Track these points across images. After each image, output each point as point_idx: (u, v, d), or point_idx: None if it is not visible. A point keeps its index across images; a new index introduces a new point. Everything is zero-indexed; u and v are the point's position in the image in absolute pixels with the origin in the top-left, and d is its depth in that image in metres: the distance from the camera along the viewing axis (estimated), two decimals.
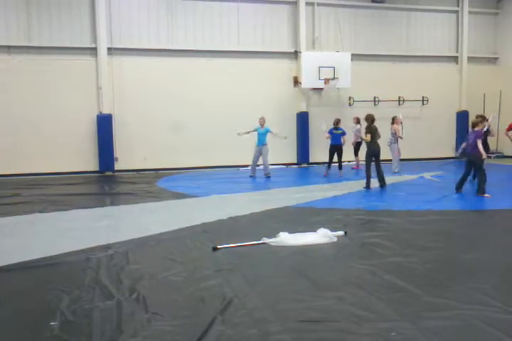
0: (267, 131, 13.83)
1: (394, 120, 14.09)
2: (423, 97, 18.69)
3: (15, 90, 14.99)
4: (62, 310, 4.01)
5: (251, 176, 13.91)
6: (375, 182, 10.97)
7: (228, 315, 3.84)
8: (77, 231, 7.04)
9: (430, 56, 18.91)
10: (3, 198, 10.42)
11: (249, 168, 14.41)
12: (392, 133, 13.97)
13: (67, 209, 8.77)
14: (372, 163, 10.91)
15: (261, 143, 13.83)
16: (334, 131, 13.64)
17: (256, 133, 13.86)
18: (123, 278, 4.82)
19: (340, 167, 13.56)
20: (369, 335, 3.45)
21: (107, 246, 6.03)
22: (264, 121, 13.89)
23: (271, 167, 16.40)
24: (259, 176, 13.89)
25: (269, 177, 13.77)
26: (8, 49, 14.96)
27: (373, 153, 10.84)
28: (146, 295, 4.33)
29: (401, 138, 13.99)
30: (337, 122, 13.75)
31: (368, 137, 10.70)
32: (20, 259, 5.53)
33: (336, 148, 13.55)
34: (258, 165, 14.26)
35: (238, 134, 13.93)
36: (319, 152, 17.02)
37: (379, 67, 18.23)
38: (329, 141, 13.70)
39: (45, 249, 5.99)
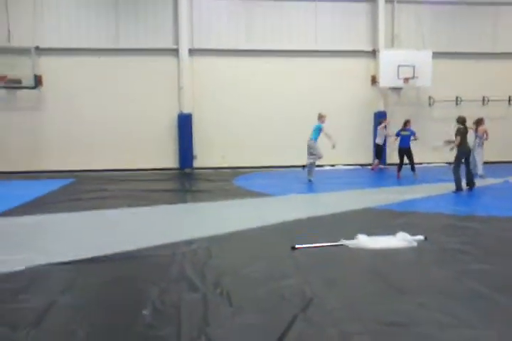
0: (318, 127, 12.48)
1: (479, 122, 13.46)
2: (510, 97, 17.79)
3: (103, 90, 15.93)
4: (153, 300, 4.28)
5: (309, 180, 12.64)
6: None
7: (309, 313, 3.94)
8: (162, 226, 7.45)
9: None
10: (91, 192, 11.14)
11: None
12: (477, 136, 13.35)
13: (152, 205, 9.24)
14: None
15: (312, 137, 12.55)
16: (402, 133, 13.34)
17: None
18: (206, 273, 5.05)
19: (413, 169, 13.24)
20: None
21: (191, 241, 6.31)
22: (320, 117, 12.57)
23: (344, 167, 16.30)
24: (323, 177, 13.36)
25: (310, 181, 12.58)
26: (98, 51, 15.90)
27: (464, 154, 10.64)
28: (230, 289, 4.52)
29: (486, 139, 13.42)
30: (406, 123, 13.44)
31: (458, 139, 10.48)
32: (111, 251, 5.90)
33: (404, 151, 13.28)
34: (319, 166, 13.34)
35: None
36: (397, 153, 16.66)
37: (462, 65, 17.56)
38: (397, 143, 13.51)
39: (134, 241, 6.36)
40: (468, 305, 4.10)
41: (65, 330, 3.67)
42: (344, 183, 12.67)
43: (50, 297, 4.38)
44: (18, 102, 15.76)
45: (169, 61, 16.28)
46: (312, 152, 12.53)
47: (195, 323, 3.79)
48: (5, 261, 5.52)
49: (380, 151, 15.92)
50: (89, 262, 5.52)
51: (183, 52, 16.15)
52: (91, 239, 6.67)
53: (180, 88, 16.26)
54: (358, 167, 16.80)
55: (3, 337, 3.57)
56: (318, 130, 12.47)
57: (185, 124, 16.13)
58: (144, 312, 4.03)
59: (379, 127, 15.87)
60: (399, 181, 12.89)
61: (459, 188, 10.44)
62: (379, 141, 15.85)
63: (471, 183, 10.68)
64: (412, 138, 13.34)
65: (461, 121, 10.68)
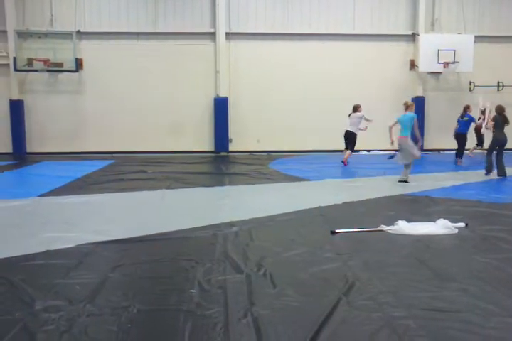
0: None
1: None
2: None
3: (142, 73, 16.11)
4: (199, 280, 4.43)
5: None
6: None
7: (352, 297, 4.02)
8: (202, 208, 7.63)
9: None
10: (132, 173, 11.43)
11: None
12: None
13: (190, 187, 9.44)
14: None
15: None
16: (460, 118, 13.18)
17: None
18: (249, 254, 5.17)
19: (460, 156, 13.13)
20: (496, 329, 3.46)
21: (231, 224, 6.45)
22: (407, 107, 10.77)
23: (381, 153, 16.08)
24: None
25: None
26: (138, 35, 16.07)
27: (499, 142, 10.58)
28: (272, 271, 4.63)
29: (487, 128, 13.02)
30: (465, 109, 13.24)
31: (490, 125, 10.54)
32: (154, 231, 6.10)
33: (459, 136, 13.13)
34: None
35: None
36: (435, 138, 16.45)
37: (506, 50, 16.98)
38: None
39: (176, 222, 6.56)
40: (511, 293, 4.11)
41: (119, 306, 3.85)
42: (380, 169, 12.58)
43: (101, 274, 4.59)
44: (59, 85, 16.11)
45: (206, 45, 16.32)
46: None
47: (240, 303, 3.91)
48: (56, 238, 5.78)
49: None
50: (135, 241, 5.73)
51: (220, 35, 16.13)
52: (134, 219, 6.89)
53: (216, 72, 16.32)
54: (395, 152, 16.58)
55: (62, 310, 3.78)
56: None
57: (221, 108, 16.22)
58: (192, 291, 4.19)
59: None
60: (439, 167, 12.73)
61: (488, 171, 10.57)
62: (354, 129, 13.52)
63: (501, 172, 10.54)
64: (472, 124, 13.11)
65: (498, 110, 10.66)
